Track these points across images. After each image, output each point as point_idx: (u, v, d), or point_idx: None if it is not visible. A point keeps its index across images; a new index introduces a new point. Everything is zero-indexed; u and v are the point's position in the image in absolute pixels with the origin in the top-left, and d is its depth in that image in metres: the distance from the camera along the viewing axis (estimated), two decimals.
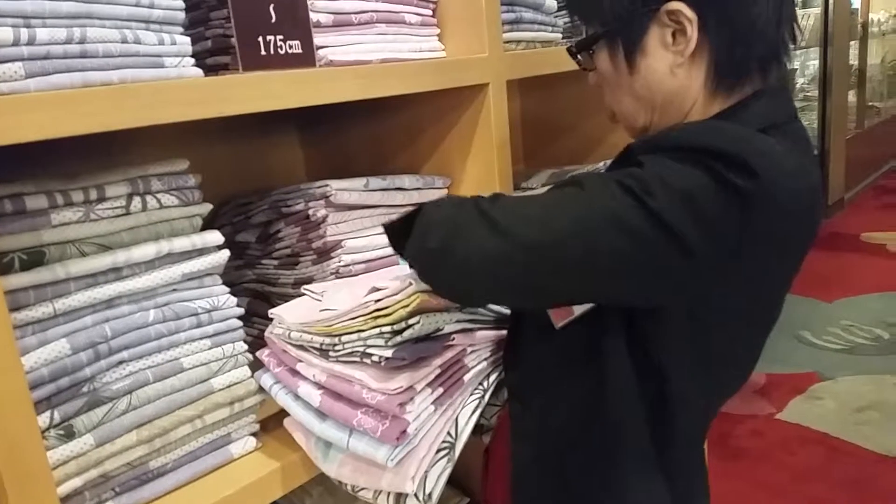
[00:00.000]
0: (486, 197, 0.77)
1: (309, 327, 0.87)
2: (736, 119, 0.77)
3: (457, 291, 0.79)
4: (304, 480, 0.92)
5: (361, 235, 1.11)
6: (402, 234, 0.79)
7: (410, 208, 0.82)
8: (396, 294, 0.81)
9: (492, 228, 0.70)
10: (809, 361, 3.07)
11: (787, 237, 0.71)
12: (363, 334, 0.81)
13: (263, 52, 0.85)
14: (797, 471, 2.37)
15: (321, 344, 0.86)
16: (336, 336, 0.84)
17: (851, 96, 5.57)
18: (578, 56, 0.86)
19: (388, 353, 0.80)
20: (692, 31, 0.75)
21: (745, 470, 2.39)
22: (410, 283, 0.82)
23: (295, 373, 0.91)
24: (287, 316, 0.91)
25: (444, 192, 1.23)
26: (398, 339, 0.80)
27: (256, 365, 0.95)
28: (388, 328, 0.80)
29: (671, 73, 0.78)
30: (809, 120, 5.03)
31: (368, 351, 0.82)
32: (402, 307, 0.80)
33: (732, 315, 0.77)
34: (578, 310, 0.80)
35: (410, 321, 0.80)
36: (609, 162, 1.52)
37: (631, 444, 0.80)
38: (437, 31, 1.19)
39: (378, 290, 0.85)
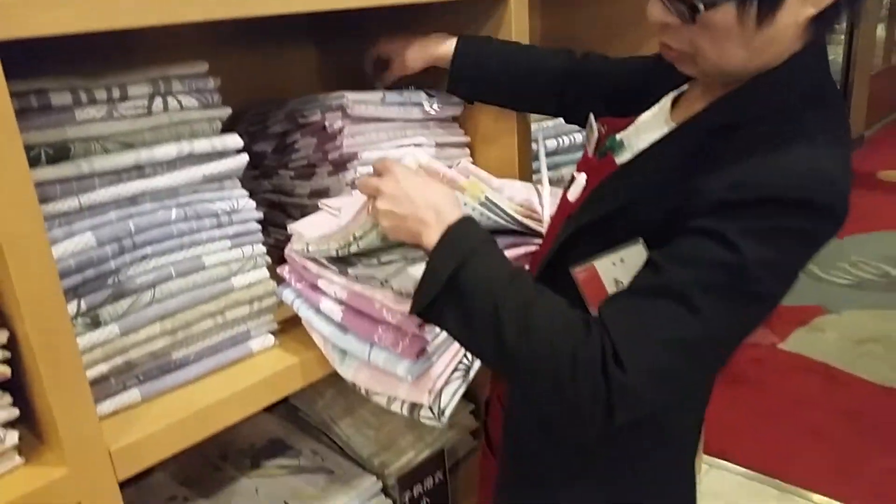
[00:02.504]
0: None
1: (327, 238, 0.90)
2: (793, 77, 0.72)
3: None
4: (321, 376, 0.96)
5: (378, 148, 1.12)
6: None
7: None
8: None
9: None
10: (815, 295, 3.09)
11: None
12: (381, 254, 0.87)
13: None
14: (796, 398, 2.42)
15: (337, 249, 0.88)
16: (351, 236, 0.86)
17: (881, 30, 5.41)
18: (699, 8, 0.68)
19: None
20: None
21: (743, 396, 2.44)
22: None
23: (316, 288, 0.94)
24: (306, 232, 0.94)
25: (459, 110, 1.22)
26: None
27: (273, 274, 0.97)
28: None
29: (797, 25, 0.69)
30: (835, 54, 4.90)
31: (390, 282, 0.85)
32: None
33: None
34: (612, 289, 0.77)
35: None
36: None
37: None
38: None
39: None
